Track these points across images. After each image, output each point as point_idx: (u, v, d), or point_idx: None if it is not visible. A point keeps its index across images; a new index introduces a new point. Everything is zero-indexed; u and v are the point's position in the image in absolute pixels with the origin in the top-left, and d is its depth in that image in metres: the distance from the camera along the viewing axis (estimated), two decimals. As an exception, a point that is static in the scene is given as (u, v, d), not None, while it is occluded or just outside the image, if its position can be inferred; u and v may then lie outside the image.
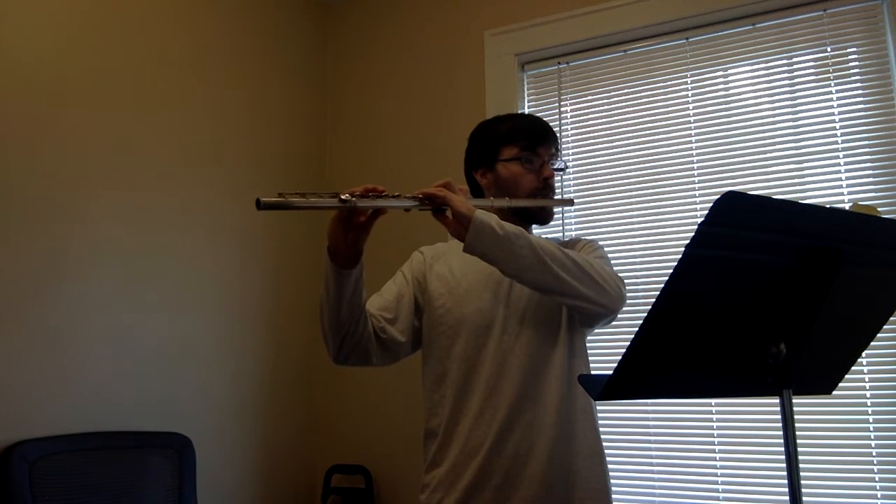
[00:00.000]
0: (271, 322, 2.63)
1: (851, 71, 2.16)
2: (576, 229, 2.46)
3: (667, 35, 2.42)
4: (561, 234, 2.45)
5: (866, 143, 2.10)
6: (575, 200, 1.61)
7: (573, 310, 1.39)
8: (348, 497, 2.62)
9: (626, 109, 2.46)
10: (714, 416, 2.16)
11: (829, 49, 2.20)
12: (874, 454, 1.96)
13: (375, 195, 1.24)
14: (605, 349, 2.20)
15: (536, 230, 1.60)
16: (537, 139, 1.51)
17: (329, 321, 1.34)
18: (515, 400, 1.37)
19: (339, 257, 1.29)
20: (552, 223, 1.62)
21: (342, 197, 1.20)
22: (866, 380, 2.00)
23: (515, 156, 1.50)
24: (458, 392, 1.41)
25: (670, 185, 2.34)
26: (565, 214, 2.46)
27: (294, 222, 2.76)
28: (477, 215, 1.25)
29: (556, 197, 1.56)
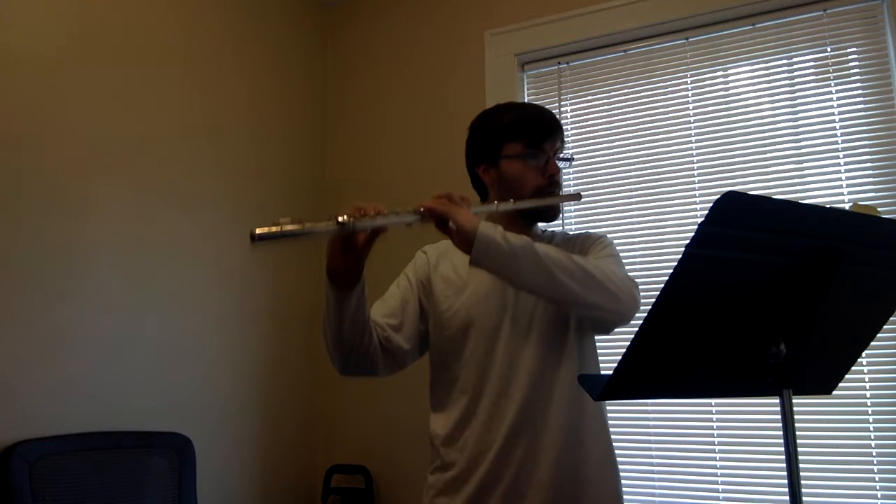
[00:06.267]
0: (271, 322, 2.63)
1: (851, 71, 2.16)
2: (576, 231, 2.46)
3: (667, 35, 2.42)
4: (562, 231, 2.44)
5: (866, 143, 2.10)
6: (581, 195, 1.55)
7: (585, 319, 1.37)
8: (348, 497, 2.62)
9: (626, 109, 2.46)
10: (714, 416, 2.16)
11: (829, 49, 2.20)
12: (874, 454, 1.96)
13: (375, 214, 1.19)
14: (606, 349, 2.19)
15: (542, 226, 1.57)
16: (542, 134, 1.44)
17: (332, 339, 1.31)
18: (524, 403, 1.33)
19: (338, 278, 1.25)
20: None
21: (340, 220, 1.16)
22: (866, 380, 2.00)
23: (519, 153, 1.44)
24: (469, 396, 1.38)
25: (670, 185, 2.34)
26: (565, 215, 2.46)
27: (294, 222, 2.76)
28: (481, 230, 1.21)
29: (561, 192, 1.50)
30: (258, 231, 1.09)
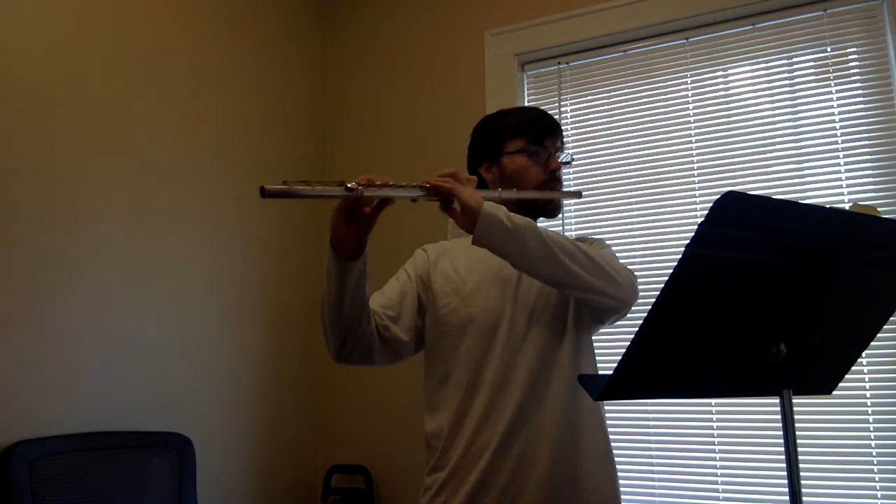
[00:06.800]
0: (271, 322, 2.63)
1: (851, 71, 2.16)
2: (576, 230, 2.46)
3: (667, 35, 2.42)
4: (561, 231, 2.44)
5: (866, 143, 2.10)
6: (582, 193, 1.57)
7: (585, 303, 1.36)
8: (348, 497, 2.62)
9: (626, 109, 2.46)
10: (714, 416, 2.16)
11: (829, 49, 2.20)
12: (874, 454, 1.96)
13: (382, 185, 1.19)
14: (606, 349, 2.20)
15: (542, 223, 1.59)
16: (544, 131, 1.48)
17: (330, 318, 1.29)
18: (521, 401, 1.33)
19: (341, 250, 1.24)
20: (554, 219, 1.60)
21: (348, 185, 1.15)
22: (866, 380, 2.00)
23: (522, 148, 1.47)
24: (463, 394, 1.37)
25: (670, 185, 2.34)
26: (565, 215, 2.46)
27: (294, 221, 2.76)
28: (485, 208, 1.22)
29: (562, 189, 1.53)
30: (268, 187, 1.08)
